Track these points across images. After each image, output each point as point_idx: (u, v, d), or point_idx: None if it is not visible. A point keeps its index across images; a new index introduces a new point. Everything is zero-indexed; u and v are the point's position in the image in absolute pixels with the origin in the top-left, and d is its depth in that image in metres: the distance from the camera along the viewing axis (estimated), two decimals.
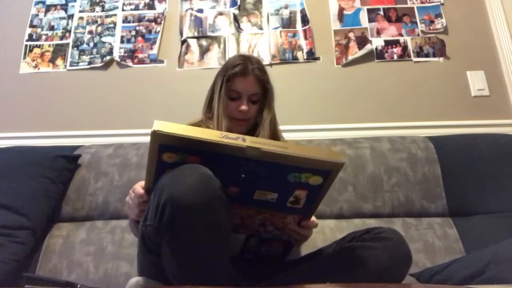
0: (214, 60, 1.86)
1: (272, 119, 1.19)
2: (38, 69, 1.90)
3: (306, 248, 1.21)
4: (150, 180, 0.82)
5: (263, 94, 1.19)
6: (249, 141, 0.74)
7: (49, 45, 1.93)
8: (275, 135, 1.20)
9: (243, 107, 1.13)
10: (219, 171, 0.75)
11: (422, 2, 1.94)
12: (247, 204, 0.84)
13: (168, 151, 0.75)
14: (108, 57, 1.89)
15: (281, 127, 1.26)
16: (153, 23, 1.95)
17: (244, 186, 0.80)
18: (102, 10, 1.99)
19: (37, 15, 1.99)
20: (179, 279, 0.77)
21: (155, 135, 0.73)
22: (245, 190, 0.80)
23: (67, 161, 1.46)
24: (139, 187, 0.88)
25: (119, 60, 1.89)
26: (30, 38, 1.95)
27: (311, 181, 0.79)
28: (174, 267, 0.77)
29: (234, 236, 0.92)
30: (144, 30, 1.94)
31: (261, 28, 1.92)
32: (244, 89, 1.15)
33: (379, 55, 1.86)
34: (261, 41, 1.90)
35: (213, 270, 0.78)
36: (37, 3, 2.01)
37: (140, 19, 1.97)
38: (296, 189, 0.81)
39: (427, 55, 1.85)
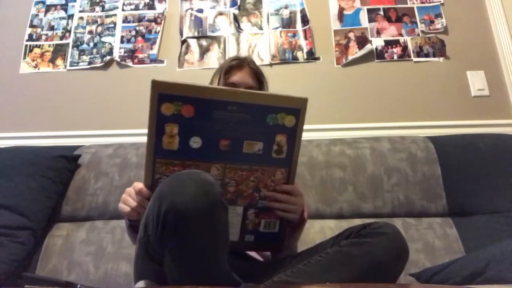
0: (214, 60, 1.86)
1: None
2: (38, 69, 1.90)
3: (305, 247, 1.22)
4: (151, 145, 0.86)
5: (259, 88, 1.24)
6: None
7: (49, 45, 1.94)
8: None
9: None
10: (211, 120, 0.86)
11: (422, 2, 1.94)
12: (239, 162, 0.91)
13: (166, 101, 0.83)
14: (108, 57, 1.89)
15: None
16: (153, 23, 1.95)
17: (233, 136, 0.88)
18: (102, 10, 1.99)
19: (37, 15, 1.99)
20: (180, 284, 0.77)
21: (155, 83, 0.82)
22: (235, 142, 0.89)
23: (67, 161, 1.46)
24: (138, 183, 0.89)
25: (119, 60, 1.89)
26: (30, 38, 1.95)
27: (286, 122, 0.90)
28: (177, 275, 0.77)
29: (232, 210, 0.94)
30: (144, 30, 1.94)
31: (261, 28, 1.92)
32: (241, 80, 1.21)
33: (379, 55, 1.86)
34: (261, 41, 1.90)
35: (215, 275, 0.78)
36: (37, 3, 2.01)
37: (140, 19, 1.97)
38: (276, 133, 0.91)
39: (427, 55, 1.85)
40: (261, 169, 0.93)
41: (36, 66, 1.90)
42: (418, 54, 1.86)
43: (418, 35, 1.88)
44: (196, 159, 0.88)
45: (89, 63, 1.90)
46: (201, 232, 0.73)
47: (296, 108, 0.91)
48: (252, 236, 0.99)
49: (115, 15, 1.98)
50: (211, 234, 0.75)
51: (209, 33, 1.92)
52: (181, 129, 0.85)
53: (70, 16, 1.98)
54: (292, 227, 1.05)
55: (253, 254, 1.12)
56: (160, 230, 0.74)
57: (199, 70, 1.86)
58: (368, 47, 1.85)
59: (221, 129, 0.87)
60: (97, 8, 1.99)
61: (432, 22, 1.90)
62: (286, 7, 1.95)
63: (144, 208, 0.86)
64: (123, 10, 1.99)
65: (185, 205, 0.71)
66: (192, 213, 0.72)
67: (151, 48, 1.91)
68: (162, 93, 0.83)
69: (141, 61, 1.89)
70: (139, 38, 1.93)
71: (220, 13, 1.96)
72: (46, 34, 1.95)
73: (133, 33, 1.94)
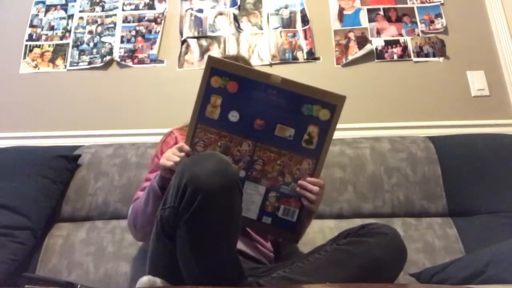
0: None
1: None
2: (38, 69, 1.90)
3: (305, 248, 1.22)
4: (196, 110, 0.98)
5: None
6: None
7: (49, 45, 1.93)
8: None
9: None
10: (251, 99, 0.97)
11: (422, 2, 1.94)
12: (269, 143, 0.99)
13: (216, 74, 0.96)
14: (108, 57, 1.89)
15: None
16: (153, 23, 1.95)
17: (268, 117, 0.98)
18: (102, 10, 1.99)
19: (37, 15, 1.99)
20: (189, 263, 0.80)
21: (210, 58, 0.97)
22: (269, 123, 0.98)
23: (67, 161, 1.46)
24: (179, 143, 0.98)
25: (119, 60, 1.89)
26: (30, 38, 1.95)
27: (321, 115, 0.99)
28: (187, 249, 0.80)
29: (254, 188, 1.00)
30: (144, 30, 1.94)
31: (261, 28, 1.92)
32: None
33: (379, 55, 1.86)
34: (261, 41, 1.90)
35: (223, 255, 0.81)
36: (37, 3, 2.01)
37: (140, 19, 1.97)
38: (309, 124, 0.98)
39: (427, 55, 1.85)
40: (289, 155, 1.00)
41: (36, 66, 1.90)
42: (418, 54, 1.86)
43: (418, 35, 1.88)
44: (231, 132, 0.98)
45: (89, 63, 1.90)
46: (216, 206, 0.78)
47: (332, 104, 0.99)
48: (269, 219, 1.02)
49: (115, 15, 1.98)
50: (225, 210, 0.80)
51: (209, 33, 1.92)
52: (224, 102, 0.97)
53: (70, 16, 1.98)
54: (305, 215, 1.06)
55: (258, 256, 1.12)
56: (179, 200, 0.78)
57: (199, 70, 1.83)
58: (368, 47, 1.85)
59: (258, 109, 0.97)
60: (97, 8, 1.99)
61: (432, 22, 1.90)
62: (286, 7, 1.95)
63: None
64: (123, 10, 1.99)
65: (204, 178, 0.77)
66: (210, 187, 0.77)
67: (151, 48, 1.91)
68: (214, 67, 0.96)
69: (141, 61, 1.89)
70: (139, 38, 1.93)
71: (220, 13, 1.96)
72: (46, 34, 1.95)
73: (133, 33, 1.94)
